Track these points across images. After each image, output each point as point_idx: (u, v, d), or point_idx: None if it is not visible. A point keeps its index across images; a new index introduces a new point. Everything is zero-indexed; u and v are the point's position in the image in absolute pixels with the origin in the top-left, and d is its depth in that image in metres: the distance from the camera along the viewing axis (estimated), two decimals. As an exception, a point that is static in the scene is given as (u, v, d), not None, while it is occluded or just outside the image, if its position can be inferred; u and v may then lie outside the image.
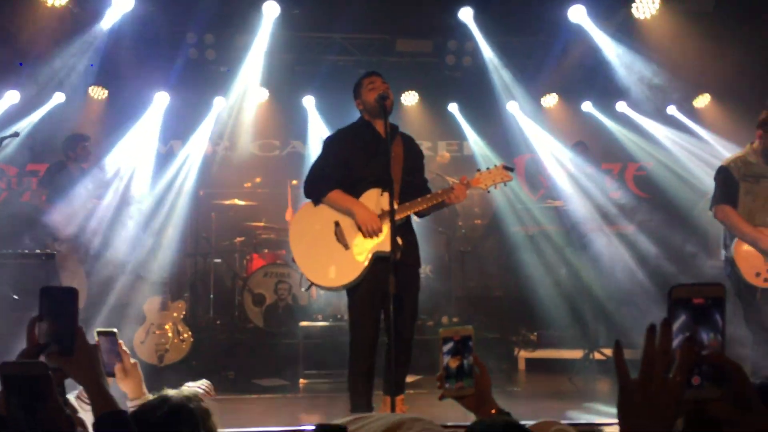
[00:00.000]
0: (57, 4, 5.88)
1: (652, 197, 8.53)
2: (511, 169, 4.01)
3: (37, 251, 5.15)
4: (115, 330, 2.13)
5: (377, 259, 3.83)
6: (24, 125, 7.39)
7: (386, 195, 3.77)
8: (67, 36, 6.75)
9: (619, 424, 1.15)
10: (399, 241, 3.75)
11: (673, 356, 1.12)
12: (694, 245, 6.68)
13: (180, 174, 7.99)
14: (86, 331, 1.58)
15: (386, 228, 3.79)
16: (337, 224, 3.95)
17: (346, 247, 3.90)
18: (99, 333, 2.11)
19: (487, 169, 4.03)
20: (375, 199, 3.93)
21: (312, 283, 3.99)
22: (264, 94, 8.69)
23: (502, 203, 7.85)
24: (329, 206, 3.98)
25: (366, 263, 3.84)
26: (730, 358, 1.16)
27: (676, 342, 1.13)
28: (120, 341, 2.13)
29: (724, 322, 1.15)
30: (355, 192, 3.96)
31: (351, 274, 3.85)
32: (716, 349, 1.14)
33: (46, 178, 6.44)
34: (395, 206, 3.79)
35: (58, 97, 7.62)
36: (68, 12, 6.27)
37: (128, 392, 2.14)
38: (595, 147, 8.57)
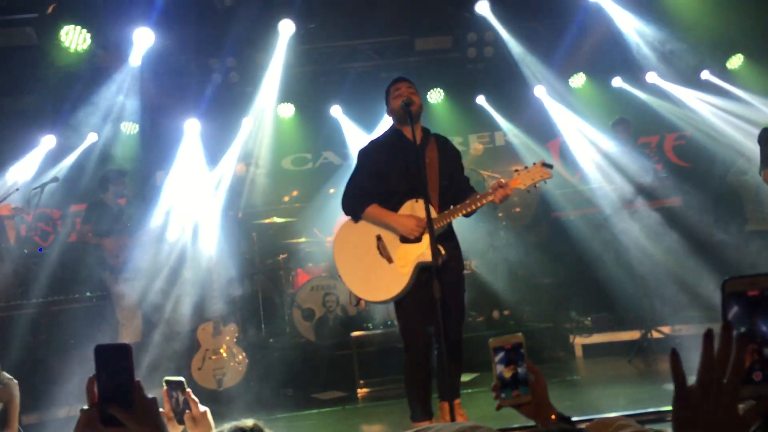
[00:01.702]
0: (80, 50, 6.03)
1: (693, 165, 8.34)
2: (550, 166, 3.83)
3: (88, 294, 5.27)
4: (182, 378, 2.15)
5: (422, 268, 3.82)
6: (62, 168, 7.60)
7: (422, 203, 3.74)
8: (95, 77, 6.91)
9: None
10: (441, 250, 3.72)
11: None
12: (732, 212, 6.53)
13: (218, 198, 8.09)
14: (149, 373, 1.59)
15: (426, 238, 3.76)
16: (379, 238, 3.95)
17: (390, 260, 3.90)
18: (167, 382, 2.14)
19: (525, 167, 3.85)
20: (415, 210, 3.90)
21: (360, 299, 4.01)
22: (290, 110, 8.77)
23: (543, 189, 7.77)
24: (369, 221, 3.99)
25: (410, 275, 3.83)
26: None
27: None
28: (188, 389, 2.14)
29: None
30: (392, 203, 3.95)
31: (397, 287, 3.85)
32: None
33: (87, 216, 6.61)
34: (435, 214, 3.77)
35: (92, 137, 7.79)
36: (93, 54, 6.41)
37: None
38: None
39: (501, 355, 1.78)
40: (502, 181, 3.80)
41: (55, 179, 6.06)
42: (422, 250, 3.80)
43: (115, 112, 7.39)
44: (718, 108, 7.97)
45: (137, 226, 6.70)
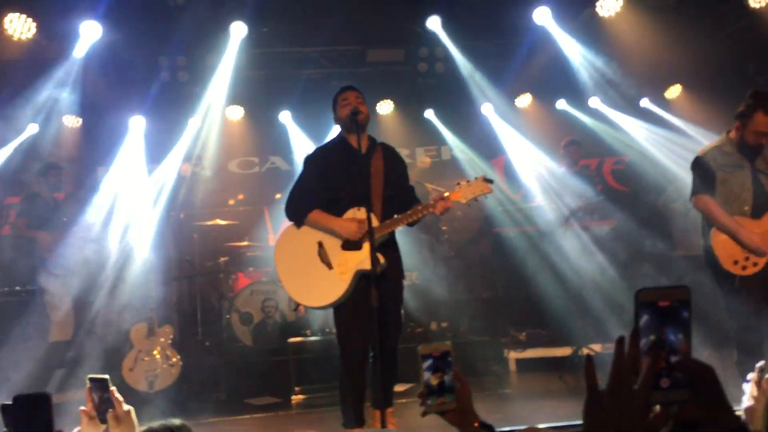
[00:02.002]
0: (24, 38, 5.87)
1: (631, 190, 8.63)
2: (491, 181, 3.93)
3: (17, 288, 5.12)
4: (106, 376, 2.11)
5: (361, 276, 3.86)
6: (-1, 159, 7.37)
7: (364, 212, 3.80)
8: (38, 68, 6.74)
9: None
10: (380, 258, 3.76)
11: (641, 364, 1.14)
12: (662, 237, 6.82)
13: (160, 197, 7.97)
14: (77, 372, 1.55)
15: (367, 246, 3.81)
16: (320, 244, 3.98)
17: (330, 266, 3.94)
18: (90, 380, 2.10)
19: (467, 181, 3.94)
20: (358, 218, 3.93)
21: (299, 304, 4.03)
22: (239, 112, 8.71)
23: (485, 205, 7.91)
24: (311, 227, 4.01)
25: (349, 281, 3.87)
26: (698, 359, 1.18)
27: (642, 344, 1.16)
28: (112, 387, 2.10)
29: (690, 324, 1.16)
30: (335, 211, 3.99)
31: (335, 294, 3.89)
32: (685, 353, 1.15)
33: (22, 207, 6.44)
34: (377, 223, 3.82)
35: (32, 129, 7.57)
36: (37, 44, 6.25)
37: None
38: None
39: (429, 362, 1.82)
40: (444, 193, 3.88)
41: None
42: (362, 258, 3.84)
43: (57, 105, 7.21)
44: (655, 135, 8.27)
45: (74, 222, 6.54)
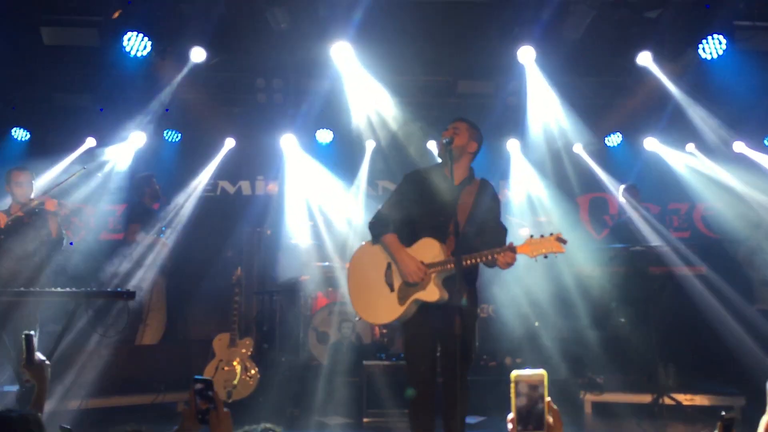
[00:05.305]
0: (140, 55, 6.26)
1: (722, 237, 8.33)
2: (564, 242, 3.76)
3: (119, 289, 5.37)
4: (211, 378, 2.25)
5: (422, 305, 3.95)
6: (101, 165, 7.82)
7: (436, 243, 3.92)
8: (149, 83, 7.15)
9: None
10: (443, 291, 3.86)
11: None
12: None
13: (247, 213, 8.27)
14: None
15: (432, 278, 3.91)
16: (389, 266, 4.08)
17: (392, 288, 4.04)
18: (195, 380, 2.23)
19: (541, 236, 3.78)
20: (428, 248, 3.98)
21: (359, 316, 4.21)
22: (328, 136, 8.90)
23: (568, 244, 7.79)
24: (383, 248, 4.11)
25: (404, 308, 3.96)
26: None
27: None
28: (215, 390, 2.23)
29: None
30: (413, 236, 4.05)
31: (389, 316, 4.04)
32: None
33: (134, 215, 6.79)
34: (443, 257, 3.91)
35: (139, 138, 7.98)
36: (149, 63, 6.63)
37: None
38: (662, 186, 8.47)
39: (521, 389, 1.83)
40: (511, 244, 3.82)
41: (83, 168, 6.17)
42: (424, 289, 3.93)
43: (160, 119, 7.62)
44: (751, 184, 7.97)
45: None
